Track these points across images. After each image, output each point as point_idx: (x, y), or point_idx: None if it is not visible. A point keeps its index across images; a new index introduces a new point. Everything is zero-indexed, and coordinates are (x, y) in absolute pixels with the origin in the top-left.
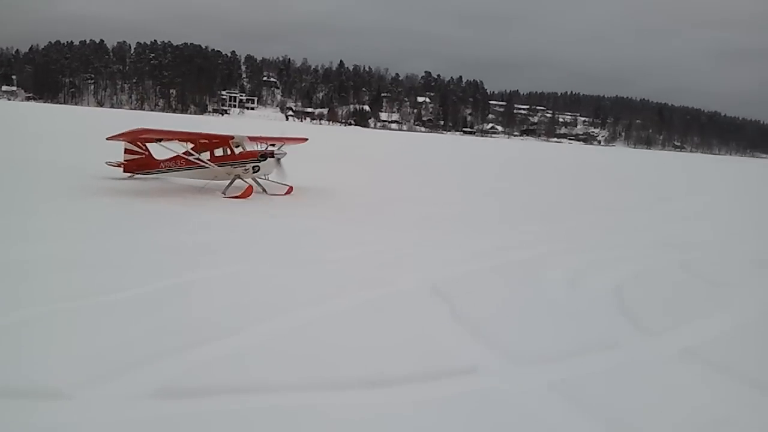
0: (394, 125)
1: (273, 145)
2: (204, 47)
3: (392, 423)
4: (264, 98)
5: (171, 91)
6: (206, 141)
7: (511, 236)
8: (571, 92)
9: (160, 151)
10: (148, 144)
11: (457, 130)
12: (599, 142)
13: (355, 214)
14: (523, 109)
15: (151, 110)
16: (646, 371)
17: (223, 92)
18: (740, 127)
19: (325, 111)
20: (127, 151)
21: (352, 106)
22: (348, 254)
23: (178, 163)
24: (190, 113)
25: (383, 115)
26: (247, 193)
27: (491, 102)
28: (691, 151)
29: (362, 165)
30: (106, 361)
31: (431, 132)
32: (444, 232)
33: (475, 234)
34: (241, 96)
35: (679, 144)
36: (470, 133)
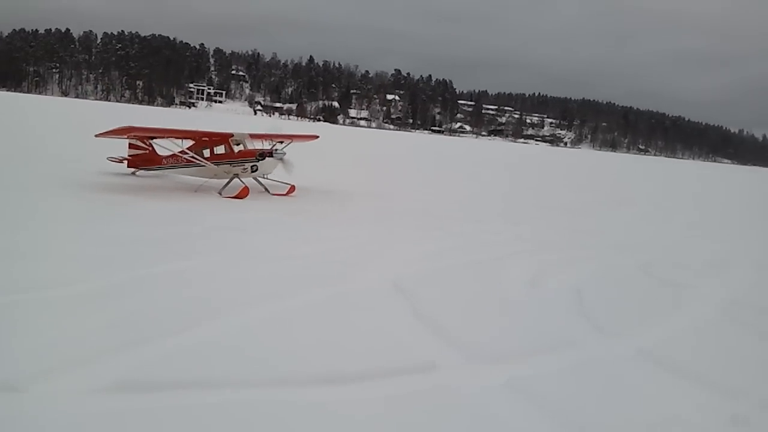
0: (363, 122)
1: (281, 142)
2: (172, 39)
3: (347, 419)
4: (232, 92)
5: (138, 82)
6: (206, 139)
7: (475, 235)
8: (539, 94)
9: (164, 147)
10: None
11: (426, 129)
12: (565, 144)
13: (323, 209)
14: (492, 109)
15: (117, 101)
16: (601, 371)
17: (191, 85)
18: (703, 132)
19: (293, 106)
20: (131, 146)
21: (321, 102)
22: (313, 250)
23: (179, 161)
24: (157, 105)
25: (352, 112)
26: (242, 194)
27: (460, 102)
28: (655, 155)
29: (335, 161)
30: (60, 354)
31: (400, 130)
32: (411, 229)
33: (440, 232)
34: (209, 89)
35: (643, 147)
36: (439, 131)
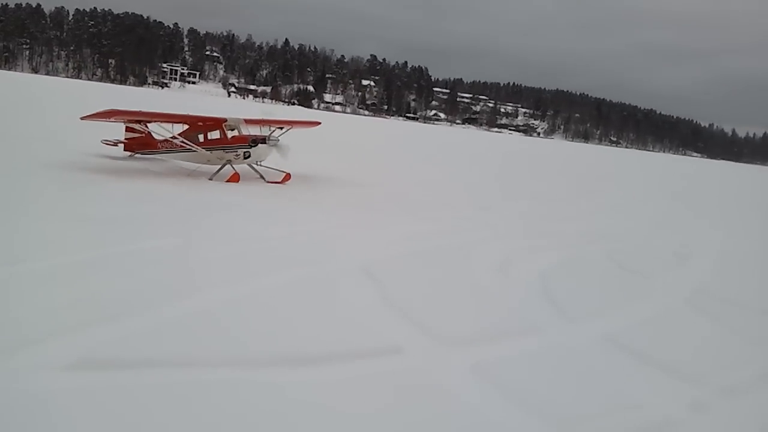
0: (337, 107)
1: (281, 128)
2: (146, 18)
3: (309, 399)
4: (206, 73)
5: (110, 60)
6: (200, 123)
7: (446, 221)
8: (513, 83)
9: (165, 131)
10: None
11: (401, 116)
12: (539, 134)
13: (296, 193)
14: (466, 97)
15: (89, 79)
16: (565, 356)
17: (164, 65)
18: (674, 126)
19: (268, 89)
20: (128, 129)
21: (296, 85)
22: (283, 232)
23: (174, 146)
24: (129, 84)
25: (327, 97)
26: (232, 180)
27: (435, 89)
28: (626, 147)
29: (310, 146)
30: (22, 330)
31: (375, 116)
32: (382, 215)
33: (411, 218)
34: (182, 69)
35: (615, 139)
36: (413, 118)
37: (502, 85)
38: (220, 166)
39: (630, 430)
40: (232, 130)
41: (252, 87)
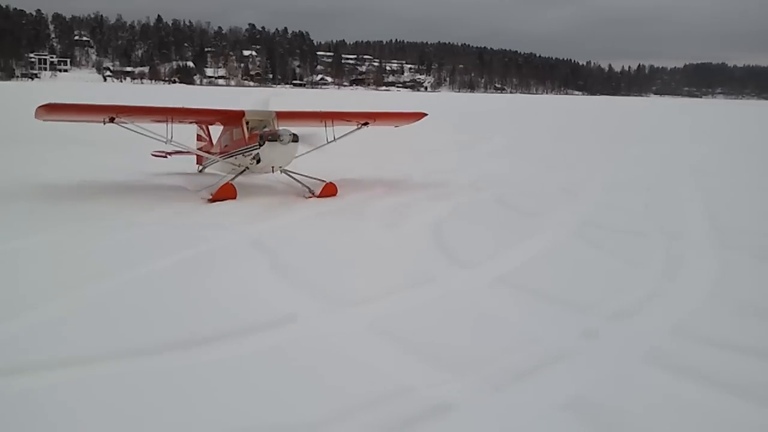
0: (221, 81)
1: (365, 124)
2: (4, 7)
3: (205, 382)
4: (78, 59)
5: None
6: (219, 118)
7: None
8: (396, 40)
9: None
10: (210, 127)
11: (287, 83)
12: (426, 88)
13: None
14: (351, 58)
15: None
16: (460, 302)
17: (31, 55)
18: (554, 67)
19: (146, 69)
20: (199, 137)
21: (175, 63)
22: (165, 214)
23: (222, 151)
24: None
25: (209, 71)
26: (223, 194)
27: (319, 53)
28: (510, 92)
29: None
30: None
31: (260, 86)
32: (265, 186)
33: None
34: (51, 58)
35: (499, 86)
36: (300, 85)
37: (385, 42)
38: (234, 176)
39: (528, 365)
40: (265, 127)
41: (129, 69)
